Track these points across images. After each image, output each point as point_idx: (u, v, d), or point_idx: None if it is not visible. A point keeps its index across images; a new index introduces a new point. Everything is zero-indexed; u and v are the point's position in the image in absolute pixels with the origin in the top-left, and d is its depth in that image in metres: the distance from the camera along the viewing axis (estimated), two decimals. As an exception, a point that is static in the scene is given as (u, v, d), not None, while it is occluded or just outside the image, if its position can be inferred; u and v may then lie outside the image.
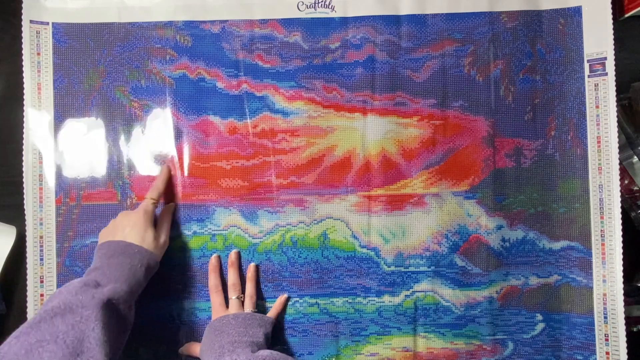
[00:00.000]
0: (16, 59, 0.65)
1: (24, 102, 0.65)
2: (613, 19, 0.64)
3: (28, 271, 0.64)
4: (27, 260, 0.64)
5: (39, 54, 0.65)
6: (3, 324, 0.66)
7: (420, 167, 0.67)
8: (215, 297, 0.64)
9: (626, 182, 0.67)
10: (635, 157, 0.66)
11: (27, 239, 0.64)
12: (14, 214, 0.66)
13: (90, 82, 0.66)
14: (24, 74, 0.65)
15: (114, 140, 0.66)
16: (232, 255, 0.65)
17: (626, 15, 0.67)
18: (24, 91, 0.65)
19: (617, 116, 0.64)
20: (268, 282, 0.66)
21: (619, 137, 0.64)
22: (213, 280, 0.65)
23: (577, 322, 0.66)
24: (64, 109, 0.66)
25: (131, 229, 0.58)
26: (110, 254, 0.56)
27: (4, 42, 0.67)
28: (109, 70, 0.66)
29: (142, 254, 0.57)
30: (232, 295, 0.64)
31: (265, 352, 0.53)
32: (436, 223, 0.67)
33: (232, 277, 0.65)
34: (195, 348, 0.63)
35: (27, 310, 0.64)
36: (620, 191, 0.64)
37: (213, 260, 0.65)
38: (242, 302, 0.64)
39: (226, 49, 0.67)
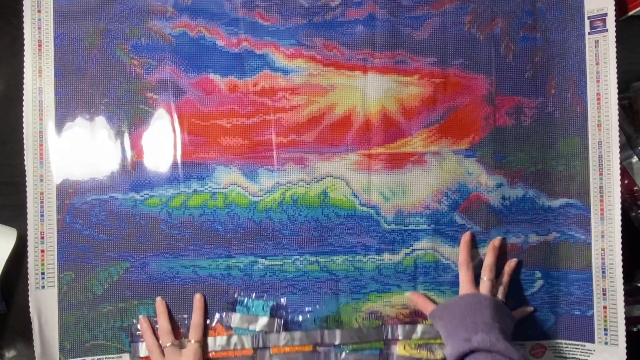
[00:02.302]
0: (16, 60, 0.64)
1: (24, 59, 0.64)
2: (615, 18, 0.64)
3: (28, 230, 0.64)
4: (28, 219, 0.64)
5: (39, 11, 0.65)
6: (3, 324, 0.66)
7: (421, 126, 0.67)
8: (465, 273, 0.65)
9: (626, 182, 0.67)
10: (635, 157, 0.66)
11: (27, 196, 0.64)
12: (14, 214, 0.66)
13: (91, 39, 0.66)
14: (24, 31, 0.64)
15: (114, 98, 0.66)
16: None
17: (626, 15, 0.67)
18: (24, 48, 0.64)
19: (617, 116, 0.64)
20: (268, 240, 0.66)
21: (619, 137, 0.64)
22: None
23: (575, 278, 0.66)
24: (65, 67, 0.65)
25: None
26: None
27: (4, 42, 0.67)
28: (109, 28, 0.66)
29: None
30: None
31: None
32: (436, 181, 0.67)
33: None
34: (425, 303, 0.65)
35: (30, 310, 0.64)
36: (620, 191, 0.64)
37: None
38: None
39: (226, 7, 0.66)
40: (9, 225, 0.66)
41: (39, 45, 0.65)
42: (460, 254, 0.65)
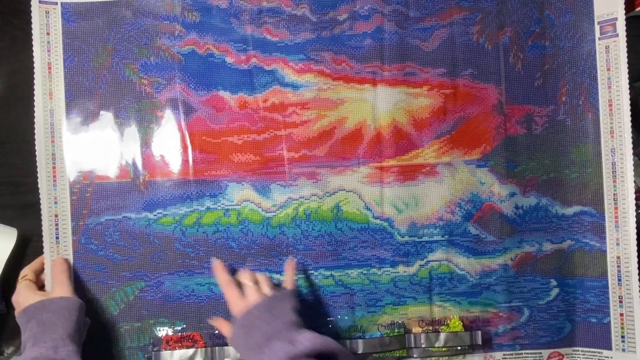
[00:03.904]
0: (17, 60, 0.64)
1: (35, 82, 0.64)
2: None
3: (45, 252, 0.63)
4: (44, 241, 0.63)
5: (48, 33, 0.65)
6: (3, 324, 0.65)
7: (432, 137, 0.67)
8: (230, 292, 0.61)
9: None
10: (636, 157, 0.65)
11: (42, 218, 0.64)
12: (14, 214, 0.65)
13: (100, 60, 0.66)
14: (34, 54, 0.64)
15: (124, 118, 0.66)
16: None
17: (630, 14, 0.66)
18: (34, 71, 0.64)
19: (630, 122, 0.64)
20: (282, 256, 0.66)
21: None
22: (223, 276, 0.62)
23: (591, 286, 0.66)
24: (75, 88, 0.65)
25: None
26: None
27: (4, 42, 0.66)
28: (117, 49, 0.66)
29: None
30: (248, 281, 0.61)
31: (306, 342, 0.52)
32: (449, 192, 0.67)
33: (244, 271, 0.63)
34: (224, 328, 0.62)
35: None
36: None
37: (216, 263, 0.64)
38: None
39: (234, 24, 0.66)
40: (9, 225, 0.66)
41: (49, 68, 0.65)
42: (219, 278, 0.62)
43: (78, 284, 0.64)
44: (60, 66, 0.65)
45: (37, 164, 0.64)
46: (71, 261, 0.65)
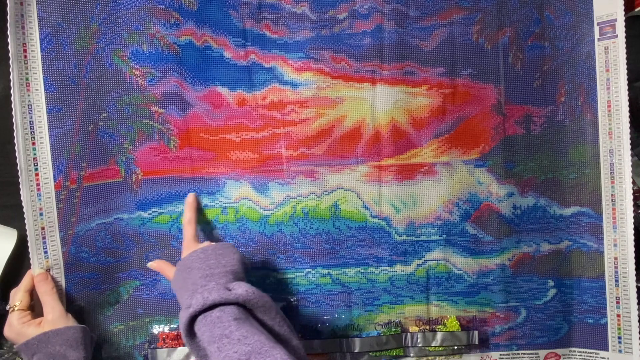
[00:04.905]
0: None
1: (11, 69, 0.56)
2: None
3: (33, 269, 0.60)
4: (31, 258, 0.60)
5: (21, 3, 0.57)
6: (3, 324, 0.63)
7: (430, 136, 0.67)
8: (188, 232, 0.61)
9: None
10: (635, 157, 0.66)
11: (27, 233, 0.59)
12: (14, 214, 0.63)
13: (83, 43, 0.61)
14: (8, 32, 0.57)
15: (114, 112, 0.63)
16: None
17: (630, 14, 0.66)
18: (9, 48, 0.57)
19: (628, 123, 0.64)
20: (280, 254, 0.66)
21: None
22: (189, 215, 0.63)
23: (588, 287, 0.67)
24: (55, 76, 0.59)
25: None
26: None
27: (3, 42, 0.63)
28: (103, 30, 0.61)
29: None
30: None
31: (240, 290, 0.49)
32: (447, 192, 0.67)
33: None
34: (167, 270, 0.60)
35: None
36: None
37: (190, 197, 0.64)
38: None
39: (233, 17, 0.65)
40: (9, 225, 0.65)
41: (24, 50, 0.58)
42: (184, 214, 0.63)
43: (71, 297, 0.62)
44: (36, 47, 0.58)
45: (19, 172, 0.58)
46: (62, 274, 0.61)
